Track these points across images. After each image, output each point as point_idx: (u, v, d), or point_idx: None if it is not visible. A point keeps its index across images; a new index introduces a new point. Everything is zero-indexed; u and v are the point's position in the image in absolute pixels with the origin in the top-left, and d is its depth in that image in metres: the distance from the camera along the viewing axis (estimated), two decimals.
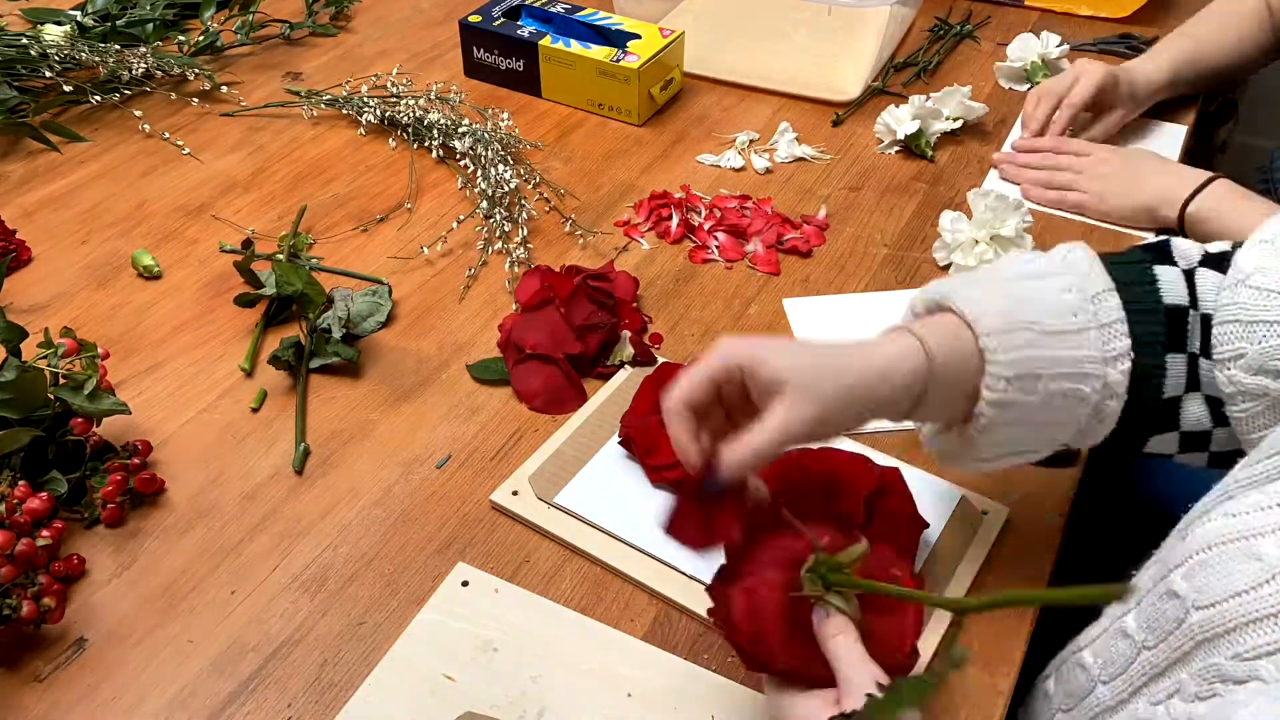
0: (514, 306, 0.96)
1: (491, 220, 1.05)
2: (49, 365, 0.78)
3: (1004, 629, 0.71)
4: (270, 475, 0.82)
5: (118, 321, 0.96)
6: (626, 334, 0.91)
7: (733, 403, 0.63)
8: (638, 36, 1.21)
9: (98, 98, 1.22)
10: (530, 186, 1.12)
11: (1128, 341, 0.64)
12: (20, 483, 0.73)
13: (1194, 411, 0.66)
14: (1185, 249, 0.68)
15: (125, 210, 1.09)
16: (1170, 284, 0.66)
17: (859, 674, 0.55)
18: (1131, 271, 0.66)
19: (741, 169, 1.16)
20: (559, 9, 1.28)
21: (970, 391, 0.63)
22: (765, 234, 1.04)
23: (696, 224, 1.06)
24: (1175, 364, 0.65)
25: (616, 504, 0.78)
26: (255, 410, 0.87)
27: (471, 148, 1.13)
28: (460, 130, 1.15)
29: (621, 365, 0.90)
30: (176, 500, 0.81)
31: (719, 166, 1.16)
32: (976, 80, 1.30)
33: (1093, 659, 0.64)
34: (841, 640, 0.57)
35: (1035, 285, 0.64)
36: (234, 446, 0.85)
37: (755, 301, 0.98)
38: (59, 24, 1.28)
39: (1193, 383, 0.66)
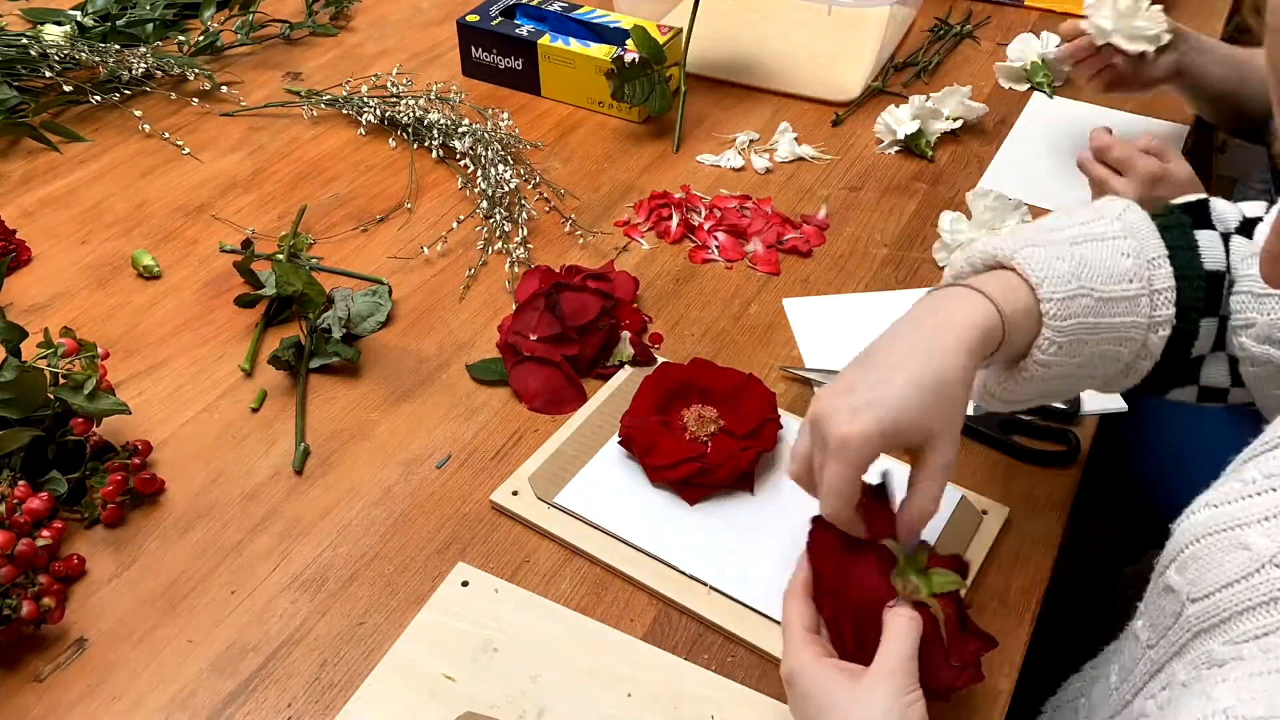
0: (514, 307, 0.96)
1: (491, 220, 1.05)
2: (49, 365, 0.78)
3: (1005, 629, 0.71)
4: (270, 475, 0.82)
5: (118, 321, 0.96)
6: (626, 334, 0.91)
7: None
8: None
9: (98, 98, 1.22)
10: (530, 186, 1.12)
11: (1173, 310, 0.65)
12: (20, 483, 0.73)
13: (1215, 371, 0.69)
14: (1223, 212, 0.69)
15: (125, 210, 1.09)
16: (1209, 248, 0.67)
17: (905, 664, 0.57)
18: (1177, 235, 0.67)
19: (741, 169, 1.16)
20: (555, 8, 1.28)
21: (1021, 347, 0.64)
22: (765, 234, 1.04)
23: (696, 224, 1.06)
24: (1207, 327, 0.67)
25: (616, 504, 0.78)
26: (255, 410, 0.87)
27: (471, 148, 1.13)
28: (460, 130, 1.15)
29: (621, 365, 0.90)
30: (176, 500, 0.81)
31: (719, 166, 1.16)
32: (976, 80, 1.30)
33: (1115, 668, 0.65)
34: (910, 629, 0.58)
35: (1096, 248, 0.65)
36: (234, 446, 0.85)
37: (755, 301, 0.98)
38: (59, 24, 1.28)
39: (1218, 343, 0.68)
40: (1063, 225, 0.67)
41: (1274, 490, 0.52)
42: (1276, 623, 0.48)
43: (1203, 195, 0.71)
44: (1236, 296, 0.66)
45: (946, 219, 1.01)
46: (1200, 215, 0.69)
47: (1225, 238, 0.68)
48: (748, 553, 0.75)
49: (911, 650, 0.57)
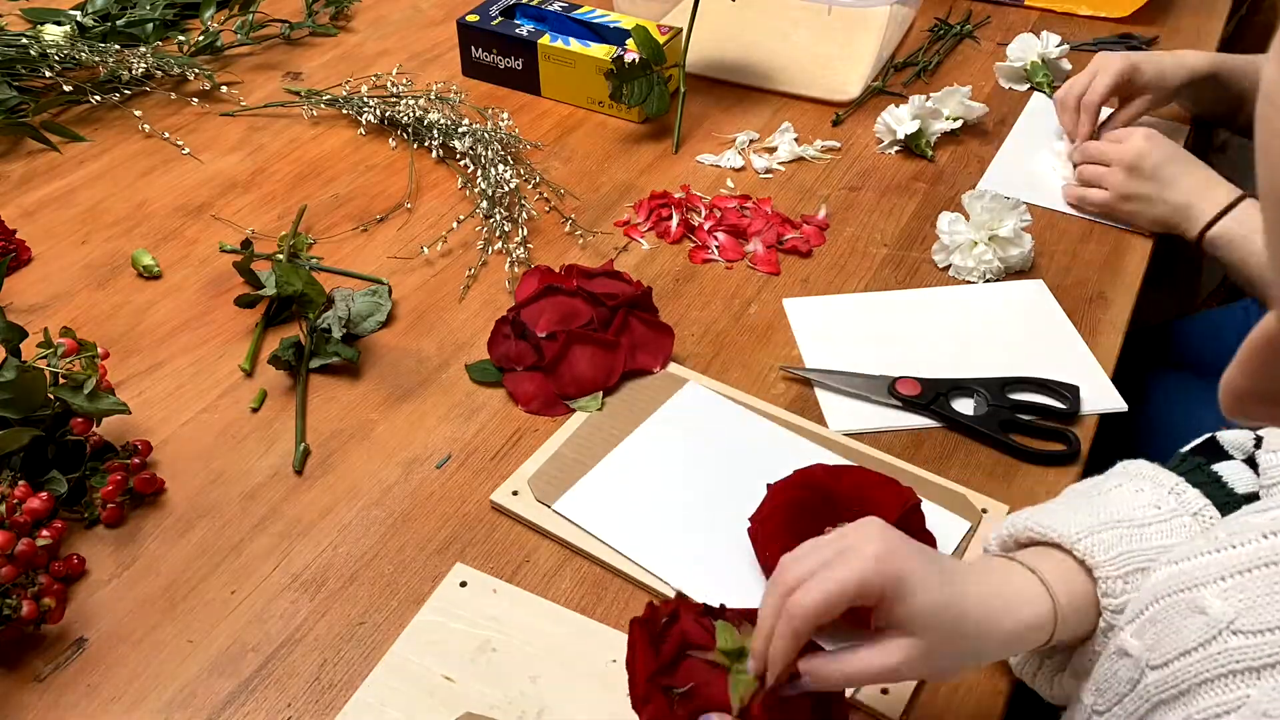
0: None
1: (491, 220, 1.05)
2: (49, 365, 0.78)
3: None
4: (270, 475, 0.82)
5: (118, 321, 0.96)
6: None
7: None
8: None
9: (98, 98, 1.22)
10: (530, 186, 1.12)
11: (1216, 513, 0.62)
12: (20, 483, 0.73)
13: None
14: (1234, 439, 0.66)
15: (125, 210, 1.09)
16: (1235, 476, 0.64)
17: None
18: (1194, 475, 0.64)
19: (741, 169, 1.16)
20: (555, 8, 1.28)
21: (1089, 629, 0.60)
22: (765, 234, 1.04)
23: (696, 224, 1.06)
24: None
25: (616, 515, 0.78)
26: (255, 410, 0.87)
27: (471, 148, 1.13)
28: (460, 130, 1.15)
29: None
30: (176, 500, 0.81)
31: (719, 166, 1.16)
32: (976, 80, 1.30)
33: None
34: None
35: (1103, 499, 0.63)
36: (234, 446, 0.85)
37: (755, 301, 0.98)
38: (59, 24, 1.28)
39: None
40: (1068, 491, 0.65)
41: (1233, 548, 0.50)
42: (1236, 699, 0.46)
43: (1208, 435, 0.68)
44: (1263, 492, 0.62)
45: (945, 220, 1.01)
46: (1213, 452, 0.65)
47: (1249, 461, 0.64)
48: (751, 578, 0.73)
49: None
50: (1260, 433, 0.66)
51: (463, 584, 0.74)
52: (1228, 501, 0.62)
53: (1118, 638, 0.55)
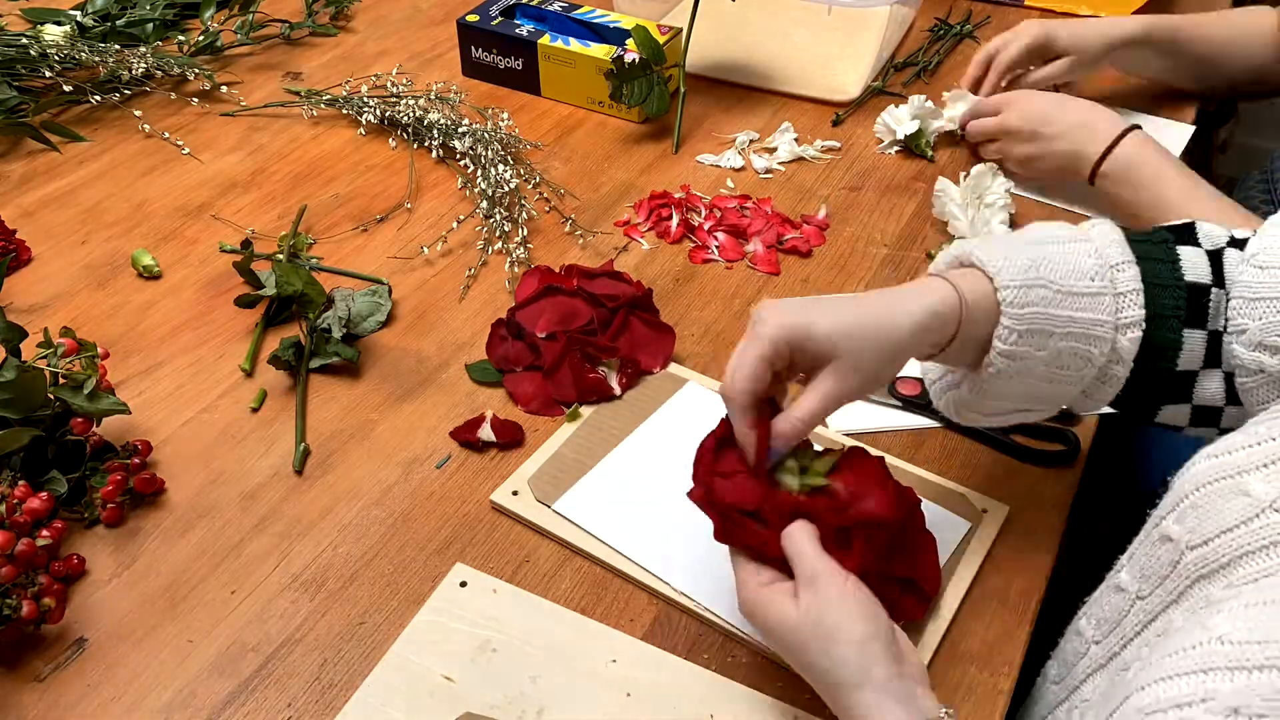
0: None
1: (491, 220, 1.05)
2: (49, 365, 0.78)
3: (1004, 629, 0.71)
4: (270, 475, 0.82)
5: (117, 321, 0.96)
6: (614, 361, 0.90)
7: (785, 365, 0.66)
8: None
9: (98, 98, 1.22)
10: (530, 186, 1.12)
11: (1141, 312, 0.66)
12: (20, 483, 0.73)
13: (1210, 387, 0.68)
14: (1210, 231, 0.70)
15: (125, 210, 1.09)
16: (1192, 263, 0.68)
17: (816, 564, 0.61)
18: (1154, 249, 0.69)
19: (741, 169, 1.16)
20: (555, 7, 1.28)
21: (985, 341, 0.66)
22: (765, 234, 1.04)
23: (696, 224, 1.06)
24: (1193, 339, 0.67)
25: (617, 516, 0.78)
26: (255, 410, 0.87)
27: (471, 148, 1.13)
28: (460, 130, 1.15)
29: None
30: (176, 500, 0.81)
31: (719, 166, 1.16)
32: None
33: (1088, 623, 0.65)
34: (803, 537, 0.62)
35: (1057, 249, 0.67)
36: (234, 446, 0.85)
37: (755, 301, 0.98)
38: (59, 24, 1.28)
39: (1212, 358, 0.68)
40: (1031, 231, 0.70)
41: (1274, 439, 0.53)
42: (1275, 565, 0.48)
43: (1190, 219, 0.72)
44: (1232, 303, 0.66)
45: (941, 181, 1.05)
46: (1186, 234, 0.70)
47: (1214, 254, 0.68)
48: None
49: (812, 549, 0.62)
50: (1237, 233, 0.70)
51: (463, 584, 0.74)
52: (1172, 284, 0.67)
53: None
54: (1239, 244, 0.69)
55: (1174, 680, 0.46)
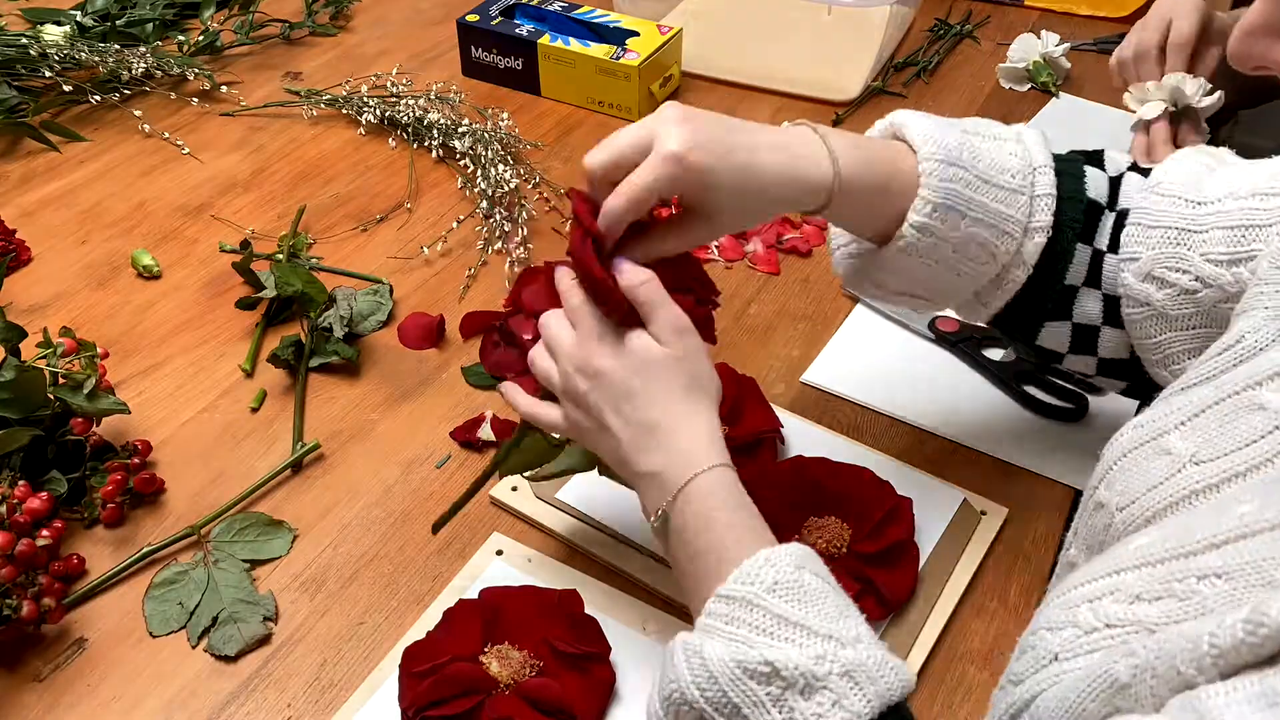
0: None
1: (491, 220, 1.05)
2: (49, 365, 0.78)
3: (1005, 629, 0.71)
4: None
5: (117, 321, 0.96)
6: None
7: None
8: (636, 34, 1.21)
9: (97, 98, 1.22)
10: (530, 186, 1.12)
11: (1050, 219, 0.68)
12: (20, 483, 0.73)
13: (1089, 306, 0.70)
14: (1115, 157, 0.72)
15: (125, 210, 1.09)
16: (1095, 182, 0.70)
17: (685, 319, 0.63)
18: (1068, 165, 0.70)
19: None
20: (555, 7, 1.28)
21: (896, 214, 0.66)
22: (765, 234, 1.04)
23: None
24: (1081, 254, 0.69)
25: (616, 501, 0.78)
26: (255, 410, 0.87)
27: (471, 147, 1.13)
28: (460, 130, 1.15)
29: None
30: (176, 500, 0.81)
31: None
32: (976, 80, 1.30)
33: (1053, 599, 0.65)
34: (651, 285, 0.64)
35: (987, 144, 0.68)
36: (234, 446, 0.85)
37: (755, 301, 0.98)
38: (59, 24, 1.28)
39: (1093, 277, 0.69)
40: (969, 122, 0.71)
41: (1184, 389, 0.55)
42: (1196, 511, 0.50)
43: (1102, 147, 0.73)
44: (1127, 230, 0.68)
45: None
46: (1093, 158, 0.72)
47: (1115, 180, 0.71)
48: None
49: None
50: (1142, 163, 0.72)
51: (499, 552, 0.75)
52: (1076, 198, 0.69)
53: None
54: (1143, 172, 0.71)
55: (1092, 583, 0.48)
